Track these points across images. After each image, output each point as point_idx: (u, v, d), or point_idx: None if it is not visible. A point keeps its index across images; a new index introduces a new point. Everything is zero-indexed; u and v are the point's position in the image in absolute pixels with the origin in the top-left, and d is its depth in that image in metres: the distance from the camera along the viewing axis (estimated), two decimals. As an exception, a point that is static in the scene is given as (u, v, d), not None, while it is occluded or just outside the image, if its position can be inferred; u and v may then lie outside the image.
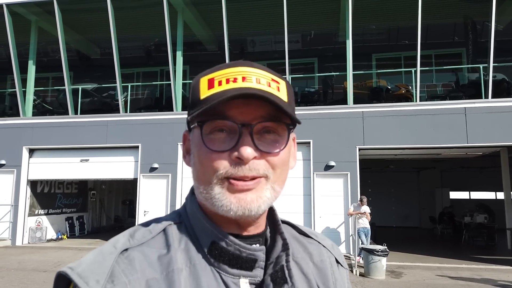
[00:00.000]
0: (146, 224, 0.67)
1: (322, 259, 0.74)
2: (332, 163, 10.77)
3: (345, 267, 0.79)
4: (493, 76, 10.75)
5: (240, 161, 0.60)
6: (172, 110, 12.06)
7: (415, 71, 10.97)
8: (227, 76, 0.62)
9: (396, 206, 20.13)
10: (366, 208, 9.53)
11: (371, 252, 8.25)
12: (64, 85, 12.70)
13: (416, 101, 10.98)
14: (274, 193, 0.64)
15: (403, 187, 20.19)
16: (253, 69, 0.63)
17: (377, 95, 12.56)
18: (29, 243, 12.77)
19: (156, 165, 11.63)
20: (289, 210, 10.96)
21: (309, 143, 11.05)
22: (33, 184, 13.15)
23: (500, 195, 14.05)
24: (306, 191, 11.01)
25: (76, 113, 12.83)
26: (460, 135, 10.31)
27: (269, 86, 0.62)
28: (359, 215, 9.53)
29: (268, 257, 0.66)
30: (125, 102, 12.73)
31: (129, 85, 13.19)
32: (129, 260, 0.59)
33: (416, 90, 11.02)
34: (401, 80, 12.80)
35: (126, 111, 12.54)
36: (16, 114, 13.19)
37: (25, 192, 12.80)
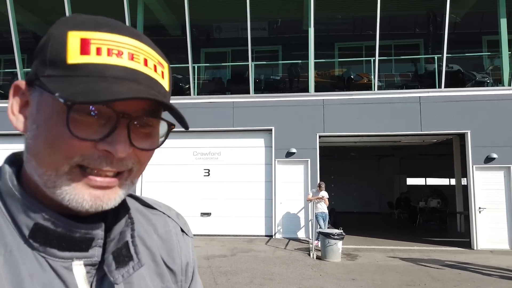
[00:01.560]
0: None
1: (167, 230, 0.71)
2: (293, 150, 10.92)
3: (190, 236, 0.76)
4: (450, 67, 11.20)
5: (107, 154, 0.51)
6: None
7: (374, 61, 11.25)
8: (110, 45, 0.51)
9: (358, 193, 20.78)
10: (324, 193, 9.77)
11: (327, 236, 8.50)
12: (16, 69, 12.10)
13: (374, 89, 11.28)
14: (131, 187, 0.58)
15: (364, 174, 20.84)
16: (141, 45, 0.54)
17: (340, 84, 12.79)
18: None
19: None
20: (251, 197, 11.08)
21: (271, 130, 11.15)
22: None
23: (453, 181, 14.79)
24: (268, 178, 11.14)
25: (30, 97, 12.27)
26: (415, 123, 10.71)
27: (155, 71, 0.55)
28: (318, 200, 9.76)
29: (109, 234, 0.59)
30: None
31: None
32: None
33: (374, 79, 11.32)
34: (363, 69, 13.09)
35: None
36: (-36, 98, 12.46)
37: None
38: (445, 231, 13.60)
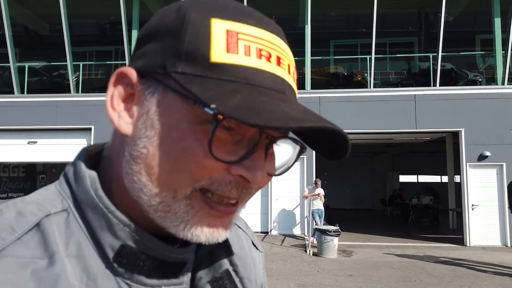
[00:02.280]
0: (1, 214, 0.41)
1: (241, 245, 0.59)
2: (289, 147, 10.93)
3: (260, 251, 0.65)
4: (443, 66, 11.30)
5: (240, 180, 0.41)
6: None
7: (370, 59, 11.30)
8: (259, 44, 0.41)
9: (350, 189, 20.95)
10: (320, 191, 9.81)
11: (324, 232, 8.55)
12: (9, 62, 11.91)
13: (370, 87, 11.35)
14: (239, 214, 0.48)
15: (357, 171, 21.00)
16: (285, 46, 0.45)
17: (335, 82, 12.85)
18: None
19: (110, 148, 11.27)
20: (247, 193, 11.09)
21: (267, 127, 11.14)
22: (-25, 167, 12.35)
23: (445, 179, 14.99)
24: (264, 175, 11.15)
25: (22, 92, 12.10)
26: (410, 121, 10.80)
27: (294, 79, 0.45)
28: (314, 197, 9.80)
29: (195, 254, 0.50)
30: (77, 82, 12.16)
31: (81, 64, 12.58)
32: None
33: (370, 77, 11.38)
34: (358, 67, 13.15)
35: (77, 91, 11.99)
36: (-46, 92, 12.23)
37: (-34, 175, 12.00)
38: (437, 227, 13.79)
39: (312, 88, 11.43)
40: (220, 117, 0.37)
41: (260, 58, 0.40)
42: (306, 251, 8.89)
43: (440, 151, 13.91)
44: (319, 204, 9.81)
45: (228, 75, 0.39)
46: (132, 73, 0.43)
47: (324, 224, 9.86)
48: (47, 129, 11.74)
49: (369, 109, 10.96)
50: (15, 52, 12.13)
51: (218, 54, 0.39)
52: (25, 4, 13.01)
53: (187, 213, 0.41)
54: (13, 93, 11.97)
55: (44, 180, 16.01)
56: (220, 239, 0.44)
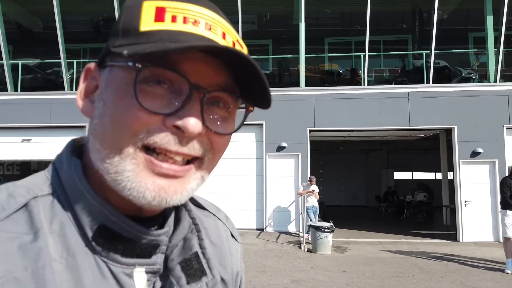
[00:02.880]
0: None
1: (218, 235, 0.63)
2: (284, 144, 10.98)
3: (239, 242, 0.70)
4: (437, 63, 11.37)
5: (177, 132, 0.45)
6: (122, 89, 11.65)
7: (364, 56, 11.36)
8: (186, 14, 0.46)
9: (345, 186, 21.06)
10: (314, 187, 9.86)
11: (318, 229, 8.60)
12: (2, 60, 11.84)
13: (364, 85, 11.40)
14: (201, 183, 0.51)
15: (352, 168, 21.11)
16: (219, 18, 0.49)
17: (330, 79, 12.90)
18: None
19: (105, 146, 11.25)
20: (242, 191, 11.12)
21: (262, 124, 11.17)
22: (-32, 165, 12.27)
23: (439, 175, 15.10)
24: (259, 172, 11.18)
25: (16, 90, 12.04)
26: (403, 118, 10.87)
27: (234, 47, 0.48)
28: (308, 194, 9.85)
29: (170, 238, 0.54)
30: (71, 80, 12.11)
31: (75, 61, 12.54)
32: None
33: (364, 74, 11.44)
34: (352, 64, 13.19)
35: (72, 89, 11.95)
36: None
37: (-41, 174, 11.93)
38: (431, 224, 13.90)
39: (306, 85, 11.47)
40: (138, 66, 0.42)
41: (186, 23, 0.45)
42: (300, 248, 8.94)
43: (434, 148, 13.99)
44: (313, 201, 9.86)
45: (154, 38, 0.44)
46: (92, 66, 0.51)
47: (318, 221, 9.91)
48: (41, 127, 11.70)
49: (363, 107, 11.01)
50: (8, 50, 12.06)
51: (147, 24, 0.45)
52: (18, 1, 12.93)
53: (132, 172, 0.45)
54: (7, 91, 11.91)
55: (38, 178, 15.92)
56: (170, 200, 0.46)
